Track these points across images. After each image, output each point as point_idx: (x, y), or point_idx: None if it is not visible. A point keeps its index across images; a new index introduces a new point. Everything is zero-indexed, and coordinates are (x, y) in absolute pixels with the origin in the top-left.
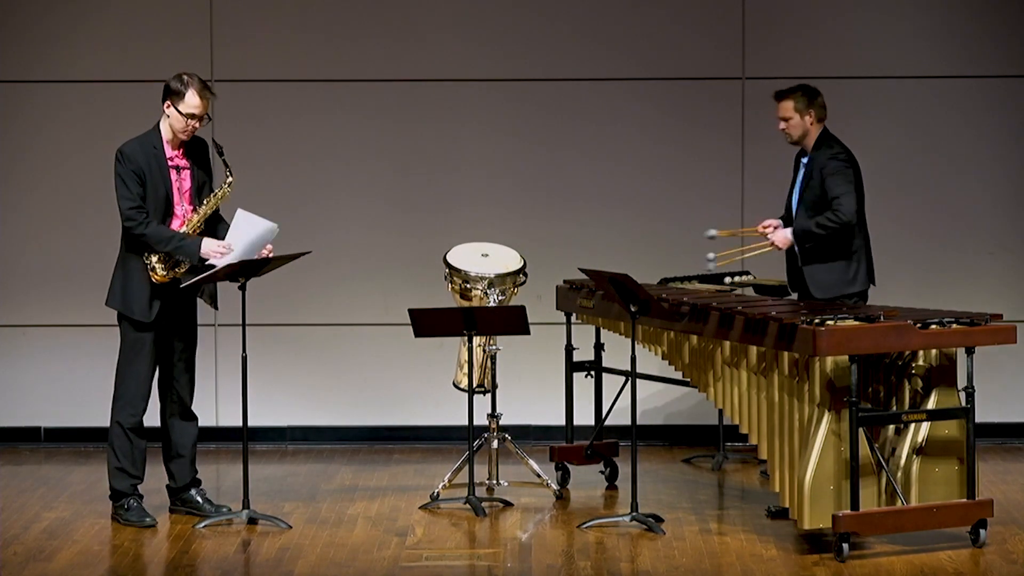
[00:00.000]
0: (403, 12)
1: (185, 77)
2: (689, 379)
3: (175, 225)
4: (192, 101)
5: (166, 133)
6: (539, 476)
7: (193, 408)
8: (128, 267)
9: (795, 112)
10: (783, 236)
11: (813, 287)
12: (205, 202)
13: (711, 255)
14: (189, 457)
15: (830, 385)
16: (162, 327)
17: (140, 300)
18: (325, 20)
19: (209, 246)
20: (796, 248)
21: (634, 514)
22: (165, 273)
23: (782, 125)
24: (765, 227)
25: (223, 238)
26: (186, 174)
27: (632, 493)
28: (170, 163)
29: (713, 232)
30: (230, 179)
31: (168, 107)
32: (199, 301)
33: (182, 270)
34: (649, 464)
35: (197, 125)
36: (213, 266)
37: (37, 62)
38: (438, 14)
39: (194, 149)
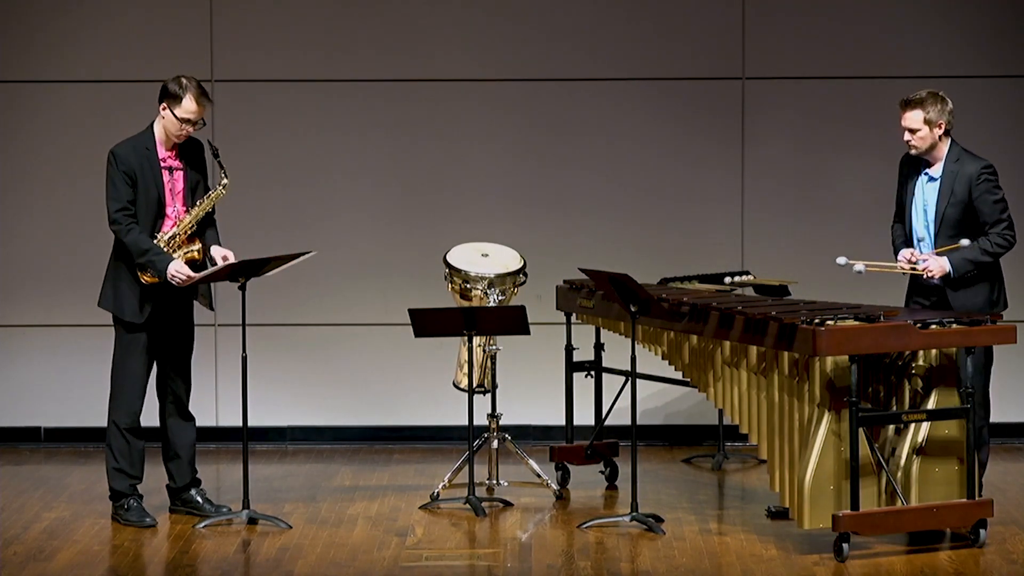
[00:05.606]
0: (403, 12)
1: (184, 81)
2: (689, 379)
3: (167, 226)
4: (189, 107)
5: (159, 134)
6: (539, 476)
7: (191, 408)
8: (119, 268)
9: (925, 124)
10: (940, 265)
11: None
12: (198, 203)
13: (842, 259)
14: (188, 457)
15: (830, 385)
16: (157, 327)
17: (131, 301)
18: (325, 20)
19: (176, 267)
20: (952, 274)
21: (634, 514)
22: (153, 275)
23: (908, 136)
24: (913, 262)
25: (211, 243)
26: (179, 175)
27: (632, 493)
28: (163, 164)
29: (844, 260)
30: (225, 181)
31: (164, 109)
32: (195, 302)
33: None
34: (649, 464)
35: (191, 130)
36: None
37: (37, 62)
38: (438, 14)
39: (189, 150)
